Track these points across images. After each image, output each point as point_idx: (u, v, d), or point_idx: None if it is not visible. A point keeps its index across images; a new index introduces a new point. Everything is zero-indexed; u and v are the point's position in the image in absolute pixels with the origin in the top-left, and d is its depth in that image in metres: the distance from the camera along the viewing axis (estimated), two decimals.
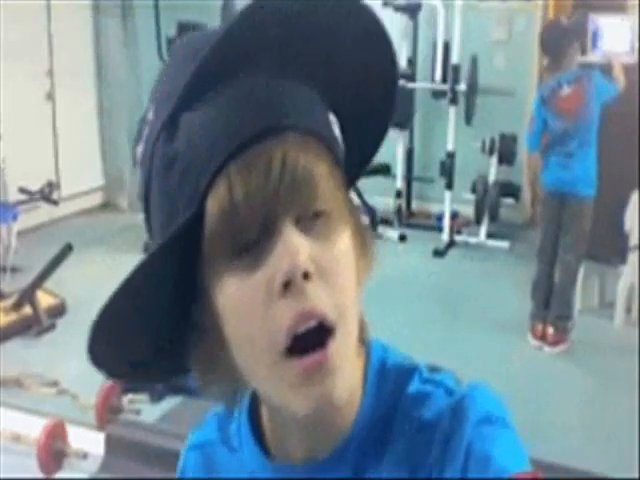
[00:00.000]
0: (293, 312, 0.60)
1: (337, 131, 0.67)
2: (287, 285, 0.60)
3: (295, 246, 0.60)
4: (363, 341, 0.71)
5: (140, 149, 0.67)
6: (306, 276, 0.60)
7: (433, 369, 0.73)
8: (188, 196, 0.62)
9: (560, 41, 4.19)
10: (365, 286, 0.69)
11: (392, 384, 0.71)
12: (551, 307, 4.33)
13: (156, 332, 0.68)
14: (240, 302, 0.62)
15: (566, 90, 4.17)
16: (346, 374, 0.64)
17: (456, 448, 0.65)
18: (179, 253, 0.63)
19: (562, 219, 4.25)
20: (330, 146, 0.65)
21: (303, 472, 0.70)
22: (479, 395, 0.68)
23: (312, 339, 0.61)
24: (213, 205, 0.61)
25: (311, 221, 0.62)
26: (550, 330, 4.29)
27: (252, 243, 0.62)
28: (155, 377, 0.76)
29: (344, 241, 0.64)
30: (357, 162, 0.72)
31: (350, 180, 0.70)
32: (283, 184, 0.61)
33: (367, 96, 0.70)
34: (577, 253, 4.30)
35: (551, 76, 4.39)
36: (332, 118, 0.67)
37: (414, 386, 0.70)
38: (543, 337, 4.33)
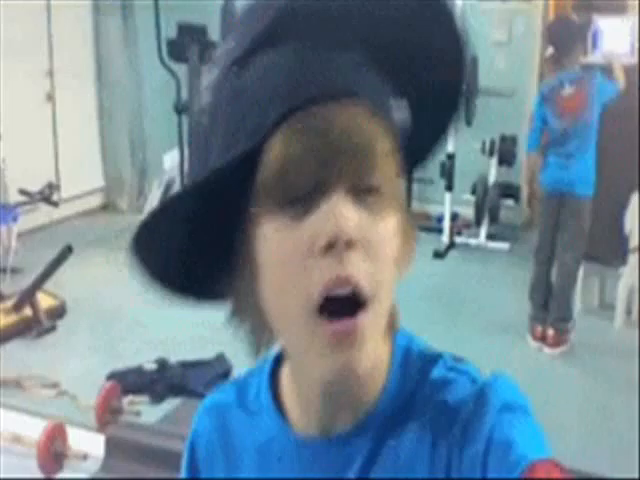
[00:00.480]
0: (330, 274, 0.61)
1: (403, 114, 0.68)
2: (329, 247, 0.61)
3: (344, 212, 0.61)
4: (392, 328, 0.72)
5: (207, 81, 0.69)
6: (349, 244, 0.61)
7: (457, 359, 0.74)
8: (249, 132, 0.63)
9: (569, 35, 4.18)
10: (401, 278, 0.70)
11: (416, 369, 0.72)
12: (550, 308, 4.31)
13: (189, 254, 0.69)
14: (280, 251, 0.63)
15: (568, 90, 4.15)
16: (371, 348, 0.64)
17: (477, 432, 0.65)
18: (228, 187, 0.64)
19: (560, 219, 4.24)
20: (393, 127, 0.66)
21: (323, 443, 0.71)
22: (502, 384, 0.70)
23: (344, 307, 0.62)
24: (269, 152, 0.62)
25: (364, 194, 0.63)
26: (550, 332, 4.28)
27: (301, 197, 0.62)
28: (188, 295, 0.75)
29: (392, 222, 0.65)
30: (413, 159, 0.72)
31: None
32: (344, 150, 0.62)
33: (433, 89, 0.70)
34: (576, 253, 4.29)
35: (552, 71, 4.36)
36: (400, 101, 0.68)
37: (438, 372, 0.72)
38: (543, 338, 4.32)
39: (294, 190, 0.62)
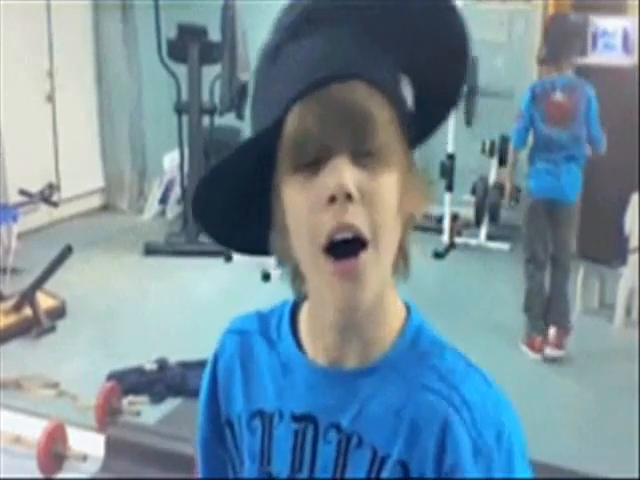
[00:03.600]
0: (333, 221, 0.75)
1: (407, 91, 0.81)
2: (332, 200, 0.74)
3: (344, 172, 0.75)
4: (404, 261, 0.85)
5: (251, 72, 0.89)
6: (349, 197, 0.74)
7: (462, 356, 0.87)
8: (275, 110, 0.77)
9: (566, 35, 4.12)
10: (415, 221, 0.83)
11: (425, 345, 0.85)
12: (550, 310, 4.27)
13: (239, 211, 0.85)
14: (297, 203, 0.78)
15: (558, 96, 4.08)
16: (373, 283, 0.78)
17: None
18: (267, 151, 0.79)
19: (550, 225, 4.19)
20: (394, 100, 0.79)
21: (334, 372, 0.84)
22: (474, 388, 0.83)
23: (348, 249, 0.76)
24: (288, 125, 0.77)
25: (363, 157, 0.76)
26: (552, 332, 4.23)
27: (312, 162, 0.76)
28: (238, 245, 0.92)
29: (389, 178, 0.78)
30: (428, 127, 0.86)
31: (418, 139, 0.84)
32: (344, 121, 0.76)
33: (440, 68, 0.83)
34: (568, 252, 4.23)
35: (545, 72, 4.29)
36: (404, 79, 0.81)
37: (440, 359, 0.84)
38: (542, 349, 4.26)
39: (306, 155, 0.76)
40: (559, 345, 4.23)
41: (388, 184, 0.77)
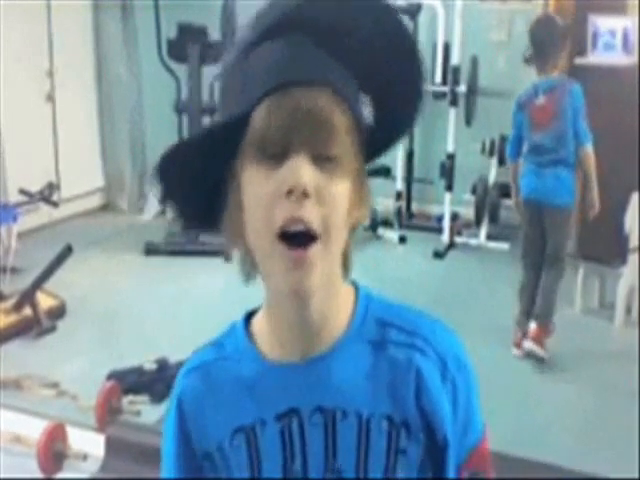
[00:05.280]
0: (288, 214, 0.81)
1: (365, 109, 0.87)
2: (289, 194, 0.80)
3: (303, 170, 0.80)
4: (345, 264, 0.90)
5: (221, 70, 0.91)
6: (305, 194, 0.80)
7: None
8: (244, 103, 0.83)
9: (551, 38, 4.02)
10: (357, 230, 0.91)
11: (378, 314, 0.92)
12: (535, 304, 4.21)
13: (201, 187, 0.89)
14: (256, 191, 0.83)
15: (540, 99, 4.05)
16: (320, 273, 0.83)
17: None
18: (231, 140, 0.84)
19: (543, 227, 4.17)
20: (355, 112, 0.85)
21: (302, 363, 0.89)
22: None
23: (300, 240, 0.81)
24: (255, 119, 0.82)
25: (323, 162, 0.82)
26: (533, 325, 4.17)
27: (274, 155, 0.82)
28: (195, 223, 0.96)
29: (344, 185, 0.84)
30: (382, 143, 0.93)
31: (373, 154, 0.91)
32: (308, 124, 0.81)
33: (397, 90, 0.89)
34: (561, 258, 4.17)
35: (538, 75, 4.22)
36: (363, 97, 0.87)
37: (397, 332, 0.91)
38: (520, 345, 4.25)
39: (269, 150, 0.82)
40: (537, 341, 4.14)
41: (342, 190, 0.84)
